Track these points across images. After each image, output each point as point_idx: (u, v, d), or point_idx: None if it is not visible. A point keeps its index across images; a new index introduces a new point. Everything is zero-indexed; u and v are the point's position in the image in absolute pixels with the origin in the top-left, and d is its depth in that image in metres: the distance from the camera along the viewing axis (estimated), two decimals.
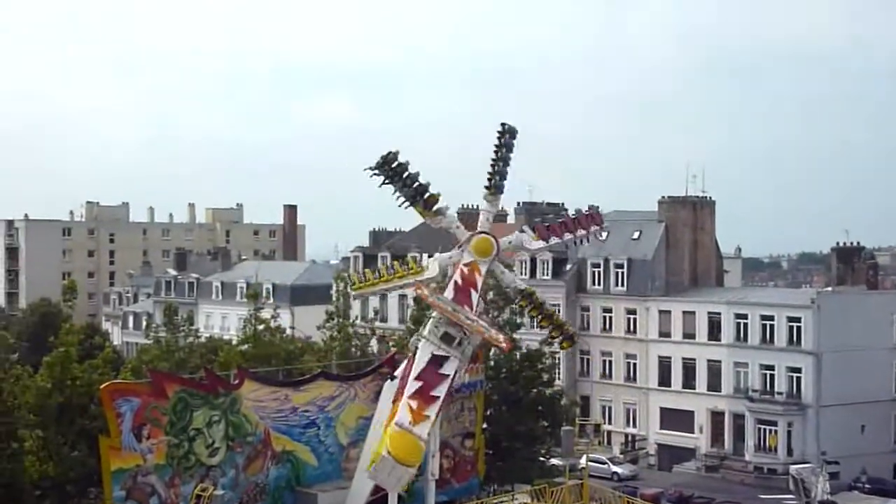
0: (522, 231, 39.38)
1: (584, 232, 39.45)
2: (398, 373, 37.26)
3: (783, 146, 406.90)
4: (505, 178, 37.86)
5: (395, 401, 35.33)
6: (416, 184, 36.18)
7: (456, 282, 36.34)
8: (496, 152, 37.40)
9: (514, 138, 37.60)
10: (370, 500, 35.66)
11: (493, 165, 37.48)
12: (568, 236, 39.07)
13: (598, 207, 41.35)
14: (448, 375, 34.99)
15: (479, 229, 37.66)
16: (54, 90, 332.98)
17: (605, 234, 42.19)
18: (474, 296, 36.38)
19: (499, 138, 37.44)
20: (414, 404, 33.92)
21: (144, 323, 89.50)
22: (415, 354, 35.69)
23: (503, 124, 37.54)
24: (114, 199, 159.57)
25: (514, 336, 57.54)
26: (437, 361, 34.97)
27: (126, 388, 33.81)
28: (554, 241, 39.18)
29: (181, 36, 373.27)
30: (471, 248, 36.92)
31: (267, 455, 36.33)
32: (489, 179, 37.55)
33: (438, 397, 34.49)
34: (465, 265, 36.71)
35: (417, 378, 34.65)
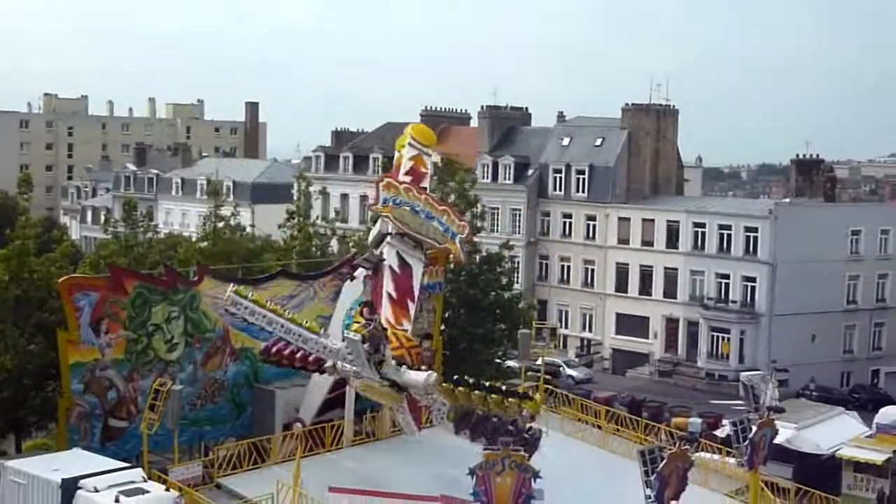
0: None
1: None
2: (358, 274, 37.21)
3: (749, 57, 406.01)
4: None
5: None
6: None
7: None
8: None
9: None
10: (328, 397, 36.01)
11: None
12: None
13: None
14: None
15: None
16: None
17: None
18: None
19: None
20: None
21: (103, 218, 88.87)
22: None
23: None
24: (72, 91, 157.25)
25: (474, 239, 57.90)
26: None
27: (84, 283, 33.67)
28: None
29: None
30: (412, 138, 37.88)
31: (226, 351, 36.45)
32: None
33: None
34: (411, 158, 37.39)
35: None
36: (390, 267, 35.64)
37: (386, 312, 34.22)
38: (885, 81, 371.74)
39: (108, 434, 32.81)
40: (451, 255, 37.60)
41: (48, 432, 40.64)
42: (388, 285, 35.21)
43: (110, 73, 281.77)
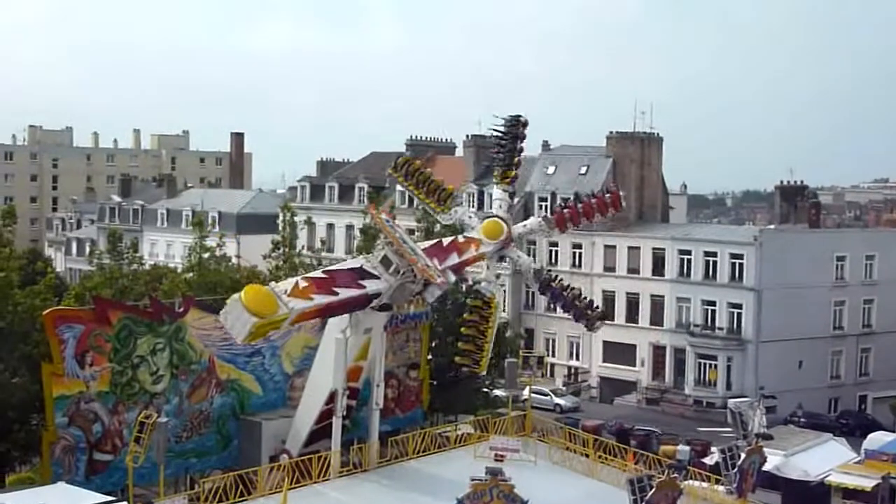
0: (540, 220, 38.53)
1: (601, 218, 38.91)
2: None
3: (731, 84, 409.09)
4: (517, 168, 37.59)
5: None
6: (514, 153, 36.76)
7: (441, 241, 36.10)
8: (509, 144, 37.09)
9: (526, 129, 37.31)
10: (314, 428, 35.85)
11: (500, 154, 37.26)
12: (585, 222, 38.55)
13: (618, 189, 38.77)
14: (364, 288, 33.59)
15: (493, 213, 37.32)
16: None
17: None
18: (452, 257, 35.72)
19: (513, 130, 37.11)
20: (304, 283, 32.72)
21: (88, 249, 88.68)
22: None
23: (517, 116, 37.11)
24: (57, 123, 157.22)
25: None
26: (361, 273, 34.27)
27: (69, 315, 33.47)
28: (571, 228, 38.55)
29: None
30: (480, 228, 36.62)
31: (211, 383, 36.30)
32: (498, 168, 37.47)
33: (337, 294, 32.82)
34: (464, 236, 36.41)
35: (327, 271, 34.35)
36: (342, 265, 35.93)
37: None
38: (868, 108, 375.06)
39: (93, 467, 32.57)
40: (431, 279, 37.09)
41: (32, 466, 40.24)
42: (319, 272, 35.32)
43: (95, 105, 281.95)
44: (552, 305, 44.93)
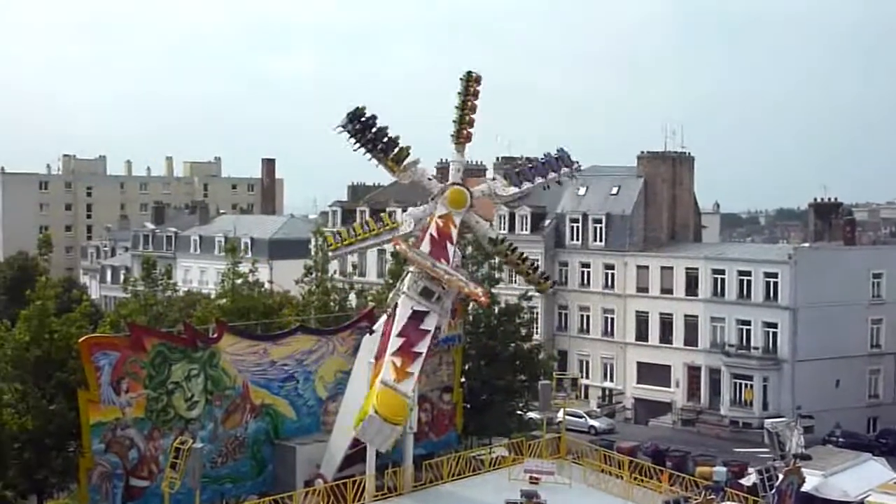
0: (493, 179, 38.81)
1: (554, 175, 39.04)
2: (377, 327, 37.33)
3: (762, 102, 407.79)
4: (471, 127, 37.23)
5: (377, 358, 35.22)
6: (386, 138, 35.60)
7: (432, 235, 35.99)
8: (463, 102, 36.79)
9: (479, 86, 36.93)
10: (349, 453, 35.87)
11: (459, 115, 36.83)
12: (539, 180, 38.62)
13: (566, 150, 39.51)
14: (429, 331, 34.72)
15: (450, 181, 37.22)
16: (22, 45, 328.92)
17: (574, 178, 41.39)
18: (450, 248, 35.90)
19: (466, 87, 36.86)
20: (398, 361, 33.75)
21: (122, 277, 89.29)
22: (394, 311, 35.61)
23: (469, 72, 36.89)
24: (91, 152, 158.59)
25: (493, 291, 57.90)
26: (417, 317, 34.88)
27: (105, 342, 33.76)
28: (526, 185, 38.62)
29: None
30: (444, 200, 36.57)
31: (246, 408, 36.44)
32: (456, 130, 37.00)
33: (421, 353, 34.29)
34: (440, 217, 36.28)
35: (400, 335, 34.59)
36: (401, 319, 35.44)
37: None
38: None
39: (129, 494, 32.78)
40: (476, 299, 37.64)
41: (70, 493, 40.50)
42: (393, 339, 35.19)
43: (128, 134, 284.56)
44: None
